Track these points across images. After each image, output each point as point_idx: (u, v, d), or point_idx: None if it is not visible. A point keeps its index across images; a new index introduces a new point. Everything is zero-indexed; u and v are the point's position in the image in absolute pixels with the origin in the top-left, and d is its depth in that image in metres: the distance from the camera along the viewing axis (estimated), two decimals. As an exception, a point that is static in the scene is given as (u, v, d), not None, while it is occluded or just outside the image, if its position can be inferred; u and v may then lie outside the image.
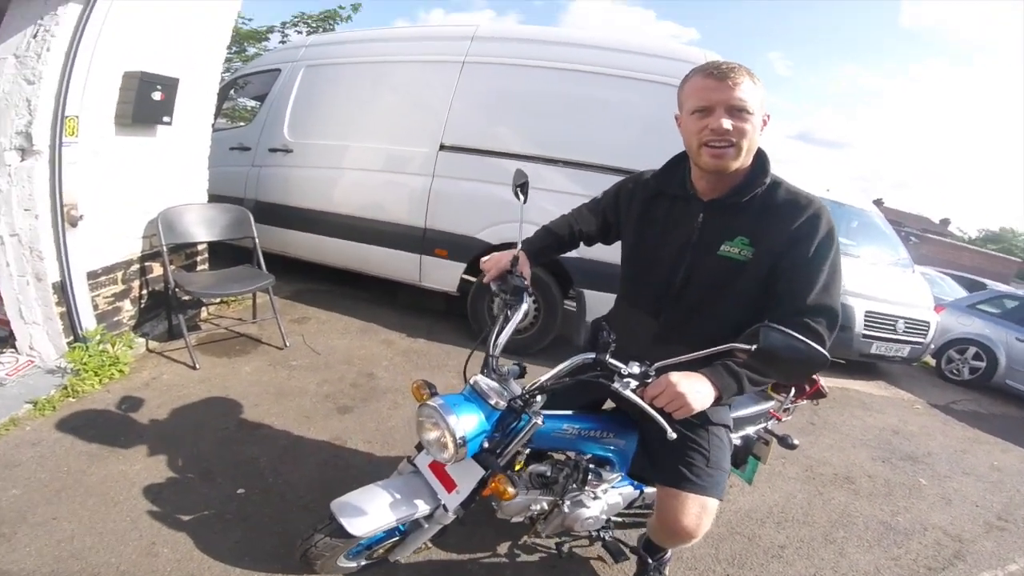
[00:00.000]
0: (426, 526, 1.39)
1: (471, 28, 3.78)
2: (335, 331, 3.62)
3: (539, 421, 1.22)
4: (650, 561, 1.68)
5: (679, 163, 1.34)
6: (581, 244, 1.59)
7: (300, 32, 8.81)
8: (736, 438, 1.72)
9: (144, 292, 3.03)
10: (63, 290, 2.50)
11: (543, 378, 1.22)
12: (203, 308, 3.49)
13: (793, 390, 1.84)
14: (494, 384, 1.22)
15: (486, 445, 1.21)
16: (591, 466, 1.47)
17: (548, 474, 1.48)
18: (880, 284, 4.86)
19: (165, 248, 2.90)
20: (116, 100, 2.63)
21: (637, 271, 1.40)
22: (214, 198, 3.47)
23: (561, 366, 1.21)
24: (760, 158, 1.22)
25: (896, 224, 6.19)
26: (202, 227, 3.17)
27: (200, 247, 3.40)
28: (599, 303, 3.27)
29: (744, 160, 1.18)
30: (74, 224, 2.50)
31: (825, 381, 1.88)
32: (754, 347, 0.98)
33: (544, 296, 3.57)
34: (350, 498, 1.28)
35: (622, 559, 1.73)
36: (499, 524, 1.74)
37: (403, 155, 3.80)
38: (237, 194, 4.17)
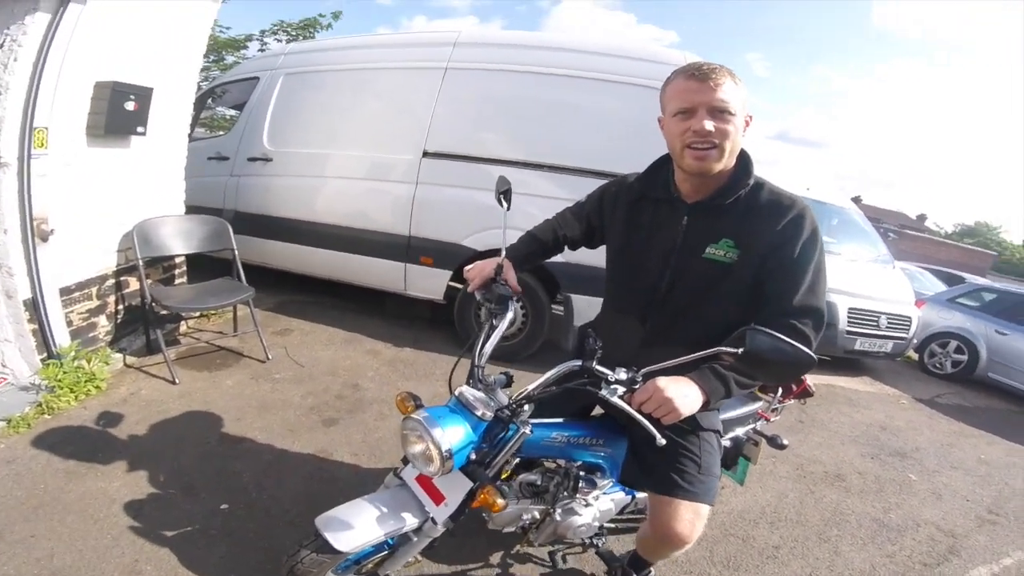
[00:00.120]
0: (415, 539, 1.36)
1: (453, 34, 3.76)
2: (319, 342, 3.56)
3: (527, 431, 1.20)
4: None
5: (662, 166, 1.33)
6: (566, 248, 1.57)
7: (280, 40, 8.73)
8: (725, 440, 1.71)
9: (120, 307, 2.96)
10: (35, 307, 2.42)
11: (530, 387, 1.20)
12: (182, 322, 3.41)
13: (780, 390, 1.84)
14: (480, 395, 1.19)
15: (473, 457, 1.18)
16: (582, 473, 1.45)
17: (539, 483, 1.46)
18: (862, 281, 4.92)
19: (141, 262, 2.83)
20: (87, 111, 2.56)
21: (622, 276, 1.38)
22: (192, 209, 3.40)
23: (548, 374, 1.19)
24: (743, 159, 1.21)
25: (874, 221, 6.30)
26: (179, 239, 3.10)
27: (178, 260, 3.33)
28: (587, 307, 3.26)
29: (727, 162, 1.17)
30: (45, 239, 2.43)
31: (811, 378, 1.89)
32: (741, 350, 0.97)
33: (531, 301, 3.55)
34: (336, 513, 1.25)
35: (616, 565, 1.72)
36: (491, 534, 1.71)
37: (386, 162, 3.76)
38: (216, 205, 4.09)
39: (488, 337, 1.31)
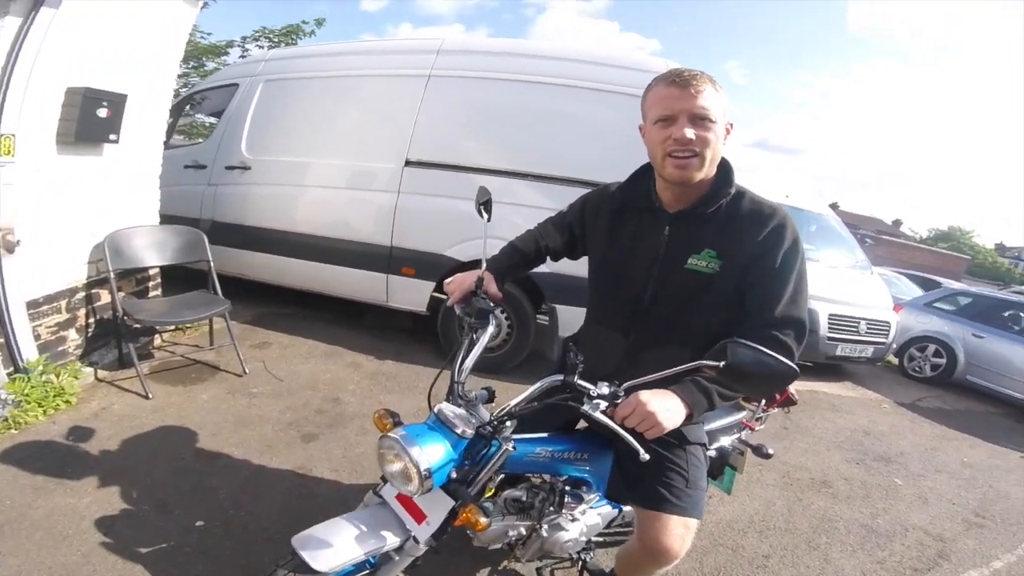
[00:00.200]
0: (397, 558, 1.32)
1: (437, 41, 3.75)
2: (298, 355, 3.48)
3: (510, 448, 1.16)
4: None
5: (644, 175, 1.31)
6: (548, 259, 1.55)
7: (262, 47, 8.63)
8: (711, 450, 1.70)
9: (91, 320, 2.86)
10: (0, 321, 2.33)
11: (512, 403, 1.17)
12: (157, 335, 3.32)
13: (764, 399, 1.83)
14: (460, 411, 1.16)
15: (454, 475, 1.14)
16: (568, 488, 1.42)
17: (524, 499, 1.43)
18: (841, 287, 4.99)
19: (112, 274, 2.75)
20: (58, 117, 2.49)
21: (605, 287, 1.36)
22: (168, 219, 3.32)
23: (530, 390, 1.16)
24: (724, 168, 1.20)
25: (852, 227, 6.41)
26: (152, 251, 3.02)
27: (152, 272, 3.24)
28: (573, 317, 3.24)
29: (708, 170, 1.15)
30: (11, 250, 2.34)
31: (794, 385, 1.88)
32: (722, 363, 0.95)
33: (516, 312, 3.52)
34: (314, 532, 1.20)
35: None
36: (476, 551, 1.68)
37: (367, 171, 3.71)
38: (192, 214, 4.00)
39: (468, 352, 1.27)
